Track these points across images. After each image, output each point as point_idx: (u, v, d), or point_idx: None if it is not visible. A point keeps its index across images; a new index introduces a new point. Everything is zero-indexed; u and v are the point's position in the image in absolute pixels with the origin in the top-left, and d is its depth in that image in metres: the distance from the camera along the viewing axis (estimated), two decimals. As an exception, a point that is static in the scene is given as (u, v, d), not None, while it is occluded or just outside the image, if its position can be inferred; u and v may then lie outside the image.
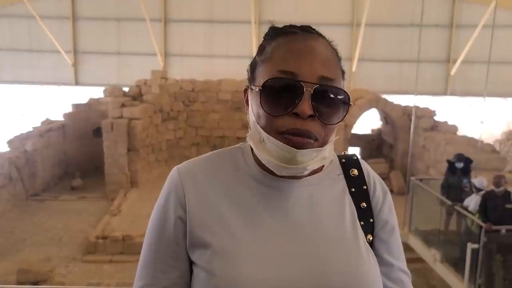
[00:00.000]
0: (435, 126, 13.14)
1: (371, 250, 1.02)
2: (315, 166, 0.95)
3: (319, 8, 16.94)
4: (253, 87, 0.97)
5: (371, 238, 1.03)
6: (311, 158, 0.92)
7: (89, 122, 14.22)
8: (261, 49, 1.00)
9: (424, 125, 13.06)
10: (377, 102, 13.88)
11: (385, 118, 14.87)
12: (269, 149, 0.93)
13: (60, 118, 14.45)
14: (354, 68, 16.94)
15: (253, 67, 1.01)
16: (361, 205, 1.04)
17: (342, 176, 1.07)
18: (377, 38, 16.83)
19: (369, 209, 1.05)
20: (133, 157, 12.65)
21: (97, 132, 13.44)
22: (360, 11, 16.35)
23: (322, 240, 0.97)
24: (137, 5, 16.04)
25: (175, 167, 1.05)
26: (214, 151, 1.09)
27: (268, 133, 0.92)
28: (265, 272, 0.91)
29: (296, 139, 0.89)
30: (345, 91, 0.94)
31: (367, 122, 15.91)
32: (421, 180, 9.42)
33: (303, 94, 0.89)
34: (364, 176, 1.08)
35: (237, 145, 1.09)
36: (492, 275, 6.58)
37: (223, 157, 1.06)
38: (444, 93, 17.53)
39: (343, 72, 0.99)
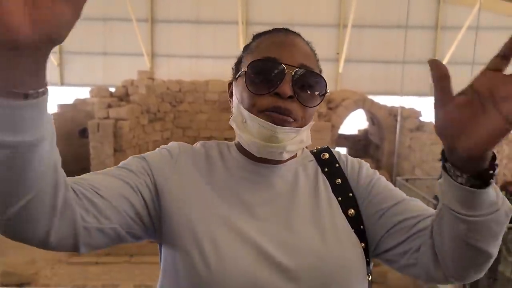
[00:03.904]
0: (421, 127, 13.28)
1: (349, 226, 1.02)
2: (293, 148, 1.00)
3: (306, 8, 17.00)
4: (239, 72, 1.03)
5: (353, 212, 1.03)
6: (290, 138, 0.97)
7: (75, 123, 14.10)
8: (246, 47, 1.09)
9: (409, 125, 13.18)
10: (363, 102, 13.97)
11: (372, 118, 14.97)
12: (250, 128, 0.98)
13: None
14: (340, 69, 17.03)
15: (238, 63, 1.08)
16: (336, 181, 1.07)
17: (314, 161, 1.12)
18: (363, 39, 16.93)
19: (346, 184, 1.07)
20: (119, 158, 12.56)
21: (83, 132, 13.33)
22: (347, 12, 16.44)
23: (298, 219, 0.99)
24: (124, 5, 15.93)
25: (175, 142, 1.10)
26: (203, 141, 1.14)
27: (250, 112, 0.98)
28: (240, 252, 0.94)
29: (277, 116, 0.95)
30: (323, 78, 1.01)
31: (354, 123, 16.01)
32: (407, 180, 9.51)
33: (285, 75, 0.95)
34: (335, 157, 1.12)
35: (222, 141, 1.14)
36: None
37: (212, 146, 1.12)
38: (430, 94, 17.70)
39: (320, 71, 1.05)
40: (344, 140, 15.22)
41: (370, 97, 14.45)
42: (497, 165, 0.78)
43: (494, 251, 0.87)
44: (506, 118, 0.67)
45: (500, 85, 0.69)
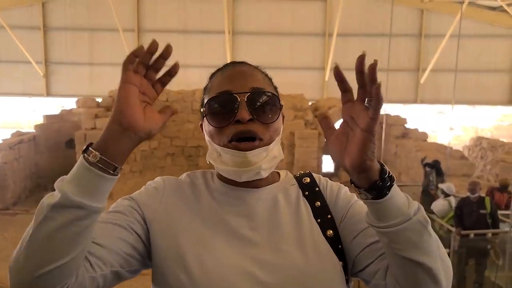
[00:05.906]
0: (406, 134, 13.42)
1: (329, 246, 1.09)
2: (268, 165, 1.09)
3: (292, 18, 17.15)
4: (202, 112, 1.14)
5: (331, 232, 1.11)
6: (262, 158, 1.07)
7: (62, 134, 13.98)
8: (205, 88, 1.19)
9: (395, 132, 13.31)
10: (350, 110, 14.08)
11: (358, 126, 15.09)
12: (225, 160, 1.09)
13: (32, 129, 14.17)
14: (327, 78, 17.17)
15: (201, 105, 1.17)
16: (316, 204, 1.15)
17: (296, 185, 1.20)
18: (348, 48, 17.11)
19: (325, 206, 1.15)
20: (106, 168, 12.48)
21: (70, 143, 13.23)
22: (332, 22, 16.62)
23: (280, 240, 1.07)
24: (110, 15, 15.92)
25: (160, 177, 1.19)
26: (190, 172, 1.23)
27: (221, 145, 1.08)
28: (226, 269, 1.01)
29: (243, 144, 1.05)
30: (274, 94, 1.12)
31: (341, 130, 16.11)
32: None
33: (239, 103, 1.06)
34: (315, 181, 1.21)
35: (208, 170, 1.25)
36: (463, 278, 6.72)
37: (197, 176, 1.21)
38: (415, 101, 17.92)
39: (275, 88, 1.17)
40: (331, 147, 15.30)
41: (356, 104, 14.58)
42: (389, 177, 0.93)
43: (427, 261, 0.93)
44: (362, 129, 0.87)
45: (355, 110, 0.90)
